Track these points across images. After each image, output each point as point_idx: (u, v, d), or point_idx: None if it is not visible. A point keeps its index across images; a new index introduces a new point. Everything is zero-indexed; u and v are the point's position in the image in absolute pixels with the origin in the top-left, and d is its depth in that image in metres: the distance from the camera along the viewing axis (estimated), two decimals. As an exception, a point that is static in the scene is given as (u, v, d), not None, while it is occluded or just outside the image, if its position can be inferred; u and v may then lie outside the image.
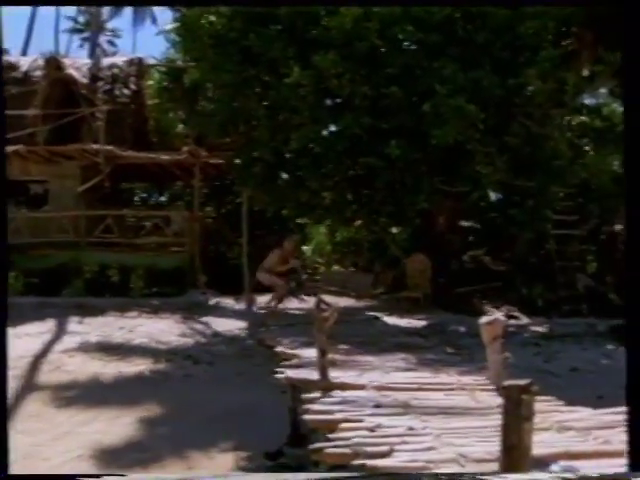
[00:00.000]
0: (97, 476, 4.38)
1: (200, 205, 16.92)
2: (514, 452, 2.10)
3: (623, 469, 3.30)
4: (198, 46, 12.12)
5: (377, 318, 12.67)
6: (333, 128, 12.55)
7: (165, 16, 43.17)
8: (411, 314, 12.83)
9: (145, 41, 59.37)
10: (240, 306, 13.76)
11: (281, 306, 12.69)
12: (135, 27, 47.30)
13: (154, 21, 44.71)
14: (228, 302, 14.07)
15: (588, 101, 14.96)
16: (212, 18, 11.87)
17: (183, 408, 7.72)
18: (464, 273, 14.40)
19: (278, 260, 12.45)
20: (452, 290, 13.68)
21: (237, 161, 13.48)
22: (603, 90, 14.87)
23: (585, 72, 11.96)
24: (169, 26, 13.58)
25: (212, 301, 14.17)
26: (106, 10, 44.21)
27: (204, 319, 12.53)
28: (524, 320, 12.66)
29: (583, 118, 14.09)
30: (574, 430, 4.25)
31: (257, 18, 11.61)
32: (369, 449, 3.76)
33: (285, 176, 13.41)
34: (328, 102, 12.33)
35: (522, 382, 2.18)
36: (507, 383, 2.19)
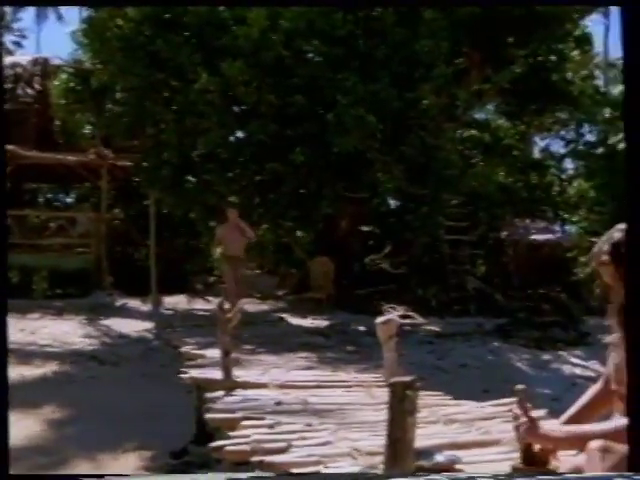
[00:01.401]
0: (99, 476, 4.24)
1: (107, 207, 16.45)
2: (398, 445, 2.18)
3: (499, 457, 3.49)
4: (106, 49, 11.81)
5: (281, 319, 12.72)
6: (240, 134, 12.51)
7: (71, 13, 41.43)
8: (314, 315, 12.95)
9: (50, 39, 56.83)
10: (147, 307, 13.48)
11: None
12: (39, 25, 45.08)
13: (59, 18, 42.71)
14: (135, 303, 13.74)
15: (478, 116, 15.66)
16: (120, 22, 11.60)
17: (88, 410, 7.50)
18: (365, 275, 14.67)
19: (227, 234, 11.03)
20: (354, 291, 13.90)
21: (145, 164, 13.20)
22: (490, 107, 15.58)
23: (474, 89, 12.46)
24: (76, 28, 13.17)
25: (118, 302, 13.80)
26: (9, 8, 41.89)
27: (110, 320, 12.18)
28: (419, 320, 13.03)
29: (473, 132, 14.71)
30: (459, 422, 4.44)
31: (165, 24, 11.44)
32: (267, 446, 3.80)
33: (193, 179, 13.24)
34: (235, 109, 12.28)
35: (406, 379, 2.27)
36: (392, 380, 2.27)
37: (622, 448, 2.25)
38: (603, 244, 2.51)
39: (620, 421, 2.40)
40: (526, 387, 2.56)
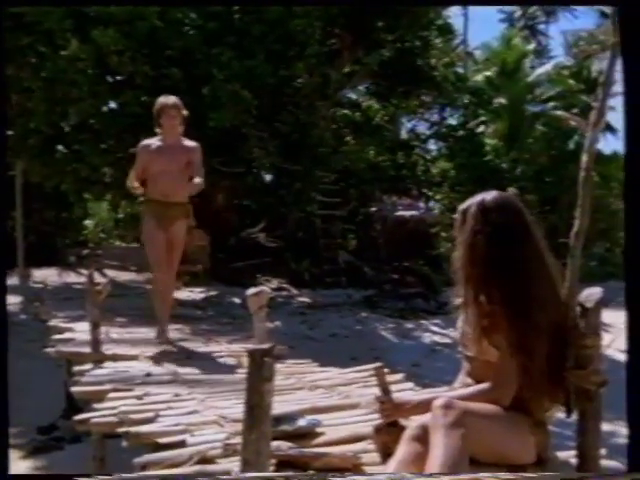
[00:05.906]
0: (90, 476, 3.99)
1: (-32, 177, 15.26)
2: (256, 411, 2.20)
3: (358, 419, 3.62)
4: (-37, 8, 10.84)
5: (156, 291, 12.41)
6: (114, 105, 11.97)
7: None
8: (190, 287, 12.76)
9: None
10: (13, 281, 12.70)
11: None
12: None
13: None
14: (0, 277, 12.91)
15: (349, 96, 15.92)
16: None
17: (-55, 388, 6.99)
18: (241, 249, 14.61)
19: (160, 159, 6.32)
20: (229, 264, 13.83)
21: (10, 132, 12.32)
22: (361, 88, 15.90)
23: (346, 70, 12.65)
24: None
25: (-19, 276, 12.90)
26: None
27: (-28, 295, 11.36)
28: (293, 291, 13.21)
29: (345, 111, 14.94)
30: (322, 388, 4.56)
31: (31, -14, 10.66)
32: (135, 416, 3.72)
33: (63, 150, 12.53)
34: (109, 78, 11.71)
35: (265, 346, 2.28)
36: (251, 348, 2.28)
37: (462, 404, 2.42)
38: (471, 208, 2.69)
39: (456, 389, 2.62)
40: (383, 365, 2.76)
